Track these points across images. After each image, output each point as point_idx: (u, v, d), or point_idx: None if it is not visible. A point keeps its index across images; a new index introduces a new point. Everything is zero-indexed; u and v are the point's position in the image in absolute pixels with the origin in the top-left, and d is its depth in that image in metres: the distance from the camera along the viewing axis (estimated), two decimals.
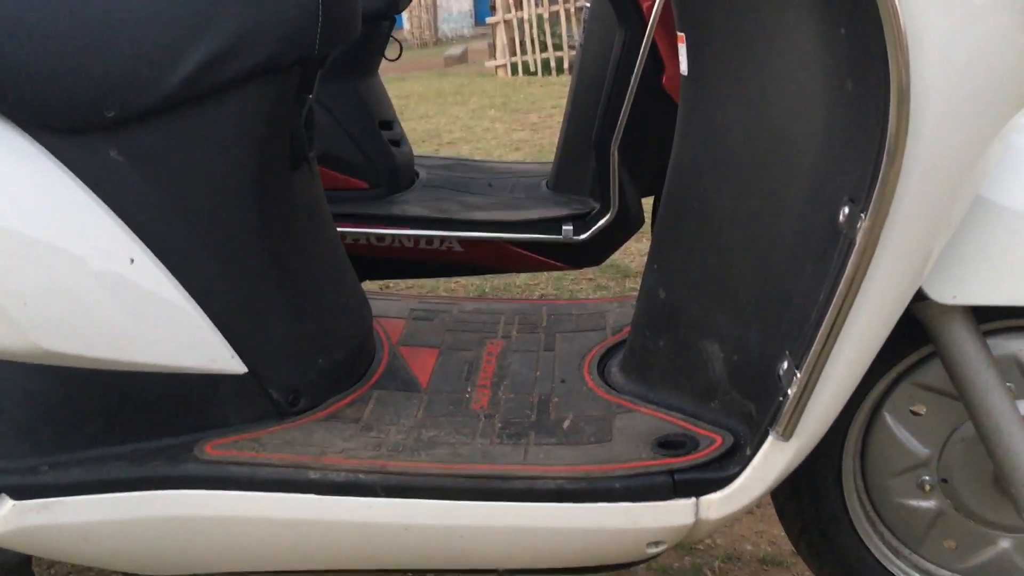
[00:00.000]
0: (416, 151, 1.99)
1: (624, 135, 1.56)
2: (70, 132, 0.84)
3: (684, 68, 0.94)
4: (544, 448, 0.90)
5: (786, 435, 0.79)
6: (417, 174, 1.91)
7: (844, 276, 0.75)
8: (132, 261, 0.85)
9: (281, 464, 0.87)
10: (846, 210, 0.76)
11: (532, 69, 7.04)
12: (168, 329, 0.87)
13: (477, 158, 2.43)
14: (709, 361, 0.92)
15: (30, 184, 0.83)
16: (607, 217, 1.64)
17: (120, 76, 0.83)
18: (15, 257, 0.82)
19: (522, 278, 2.12)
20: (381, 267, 1.74)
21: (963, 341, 0.89)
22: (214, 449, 0.88)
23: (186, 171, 0.88)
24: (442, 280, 2.11)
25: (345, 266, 1.09)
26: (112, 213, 0.85)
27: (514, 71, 7.07)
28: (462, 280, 2.12)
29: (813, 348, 0.76)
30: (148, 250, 0.86)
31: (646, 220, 1.74)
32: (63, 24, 0.81)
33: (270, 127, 0.92)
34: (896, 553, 1.07)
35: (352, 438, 0.91)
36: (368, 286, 2.02)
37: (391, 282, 2.08)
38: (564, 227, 1.66)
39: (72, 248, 0.84)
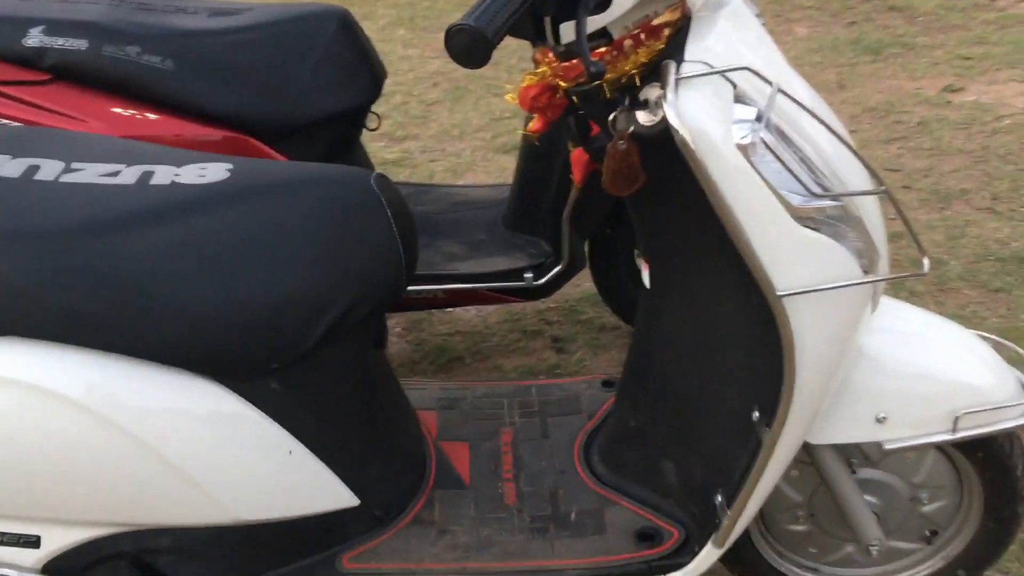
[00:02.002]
0: None
1: (574, 206, 1.97)
2: (246, 376, 1.22)
3: (647, 283, 1.37)
4: (563, 541, 1.38)
5: (719, 545, 1.30)
6: None
7: (758, 457, 1.23)
8: (291, 452, 1.27)
9: (398, 571, 1.33)
10: (756, 415, 1.24)
11: None
12: (316, 490, 1.30)
13: (437, 183, 2.78)
14: (666, 474, 1.41)
15: (219, 411, 1.22)
16: (559, 267, 2.08)
17: (279, 341, 1.21)
18: (223, 456, 1.22)
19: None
20: None
21: (822, 451, 1.40)
22: (349, 562, 1.34)
23: (320, 384, 1.28)
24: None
25: (403, 398, 1.51)
26: (273, 422, 1.25)
27: None
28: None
29: (738, 500, 1.25)
30: (298, 442, 1.27)
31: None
32: (245, 307, 1.18)
33: (369, 336, 1.33)
34: (780, 555, 1.62)
35: (435, 543, 1.38)
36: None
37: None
38: (525, 275, 2.08)
39: (251, 447, 1.24)
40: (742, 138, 1.09)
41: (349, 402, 1.33)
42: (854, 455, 1.48)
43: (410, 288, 2.05)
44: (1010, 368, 1.40)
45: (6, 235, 1.12)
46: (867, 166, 1.17)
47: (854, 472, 1.49)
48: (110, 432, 1.16)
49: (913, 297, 2.59)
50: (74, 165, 1.25)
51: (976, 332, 1.44)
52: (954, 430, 1.33)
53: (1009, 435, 1.43)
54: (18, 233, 1.12)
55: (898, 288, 2.63)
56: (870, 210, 1.22)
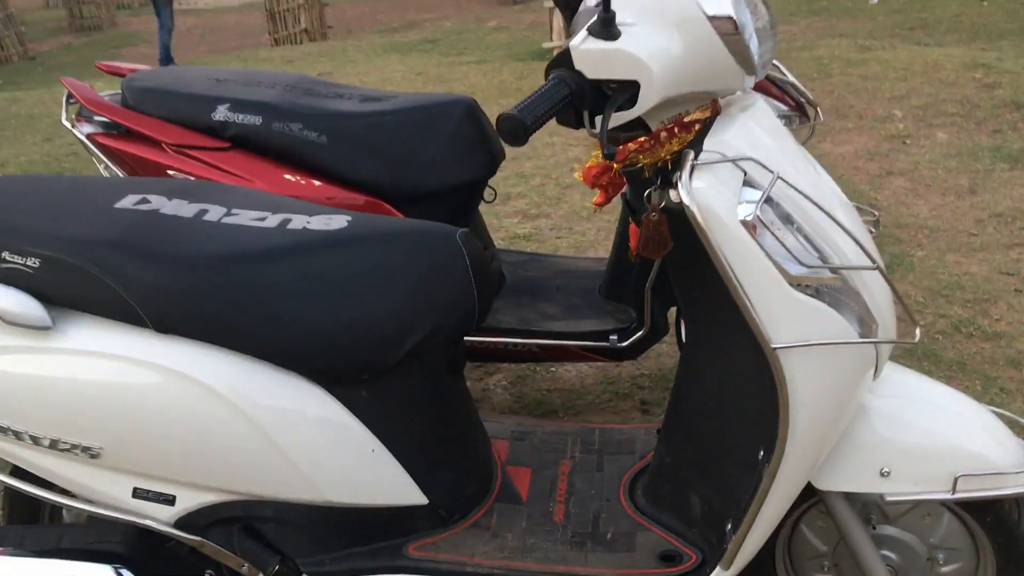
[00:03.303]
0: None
1: (656, 278, 2.21)
2: (343, 383, 1.53)
3: (683, 338, 1.60)
4: (597, 554, 1.60)
5: (725, 567, 1.49)
6: (503, 276, 2.57)
7: (759, 490, 1.43)
8: (373, 451, 1.56)
9: (453, 562, 1.58)
10: (761, 454, 1.44)
11: None
12: (392, 486, 1.58)
13: (546, 253, 3.09)
14: (692, 506, 1.62)
15: (320, 409, 1.53)
16: (641, 332, 2.32)
17: (371, 355, 1.51)
18: (320, 447, 1.52)
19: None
20: (476, 356, 2.44)
21: (834, 499, 1.57)
22: (415, 551, 1.61)
23: (402, 396, 1.57)
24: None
25: (478, 421, 1.79)
26: (361, 423, 1.55)
27: None
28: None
29: (741, 528, 1.45)
30: (380, 443, 1.56)
31: (670, 327, 2.41)
32: (348, 327, 1.49)
33: (447, 361, 1.62)
34: None
35: (487, 543, 1.63)
36: (474, 370, 2.74)
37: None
38: (611, 337, 2.33)
39: (342, 442, 1.54)
40: (746, 215, 1.32)
41: (425, 415, 1.62)
42: (873, 511, 1.63)
43: (509, 340, 2.34)
44: (1016, 439, 1.54)
45: (178, 259, 1.48)
46: (860, 246, 1.37)
47: (874, 528, 1.64)
48: (238, 418, 1.48)
49: (1003, 394, 2.65)
50: (233, 211, 1.62)
51: (986, 406, 1.58)
52: (953, 490, 1.47)
53: (1017, 501, 1.56)
54: (186, 258, 1.48)
55: (989, 382, 2.70)
56: (871, 285, 1.42)
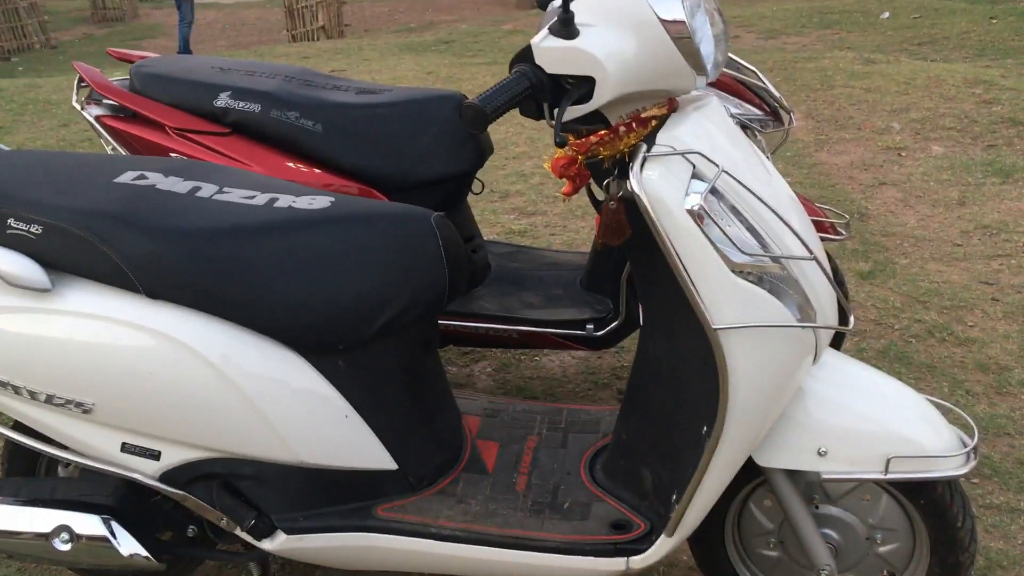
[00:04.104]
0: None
1: (630, 270, 2.32)
2: (320, 352, 1.64)
3: (642, 321, 1.71)
4: (553, 522, 1.71)
5: (668, 534, 1.60)
6: (489, 265, 2.68)
7: (700, 463, 1.53)
8: (347, 417, 1.67)
9: (418, 523, 1.69)
10: (704, 429, 1.54)
11: None
12: (363, 451, 1.69)
13: (533, 246, 3.20)
14: (644, 479, 1.72)
15: (298, 375, 1.64)
16: (617, 322, 2.42)
17: (347, 327, 1.63)
18: (297, 411, 1.63)
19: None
20: (460, 341, 2.55)
21: (776, 477, 1.67)
22: (383, 512, 1.72)
23: (376, 367, 1.68)
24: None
25: (449, 397, 1.90)
26: (337, 391, 1.66)
27: None
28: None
29: (683, 497, 1.55)
30: (354, 409, 1.67)
31: None
32: (326, 300, 1.60)
33: (420, 337, 1.73)
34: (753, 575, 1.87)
35: (452, 508, 1.74)
36: (452, 351, 2.84)
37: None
38: (588, 326, 2.44)
39: (317, 407, 1.65)
40: (691, 205, 1.43)
41: (397, 386, 1.73)
42: (816, 491, 1.73)
43: (490, 326, 2.45)
44: (950, 427, 1.63)
45: (169, 231, 1.59)
46: (799, 238, 1.48)
47: (816, 507, 1.74)
48: (221, 381, 1.60)
49: (969, 396, 2.74)
50: (225, 189, 1.73)
51: (924, 396, 1.68)
52: (886, 471, 1.57)
53: (949, 485, 1.65)
54: (178, 230, 1.59)
55: (956, 385, 2.79)
56: (810, 276, 1.52)
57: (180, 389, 1.59)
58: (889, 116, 5.65)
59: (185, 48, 12.55)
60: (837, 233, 2.46)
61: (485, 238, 2.85)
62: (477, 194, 2.61)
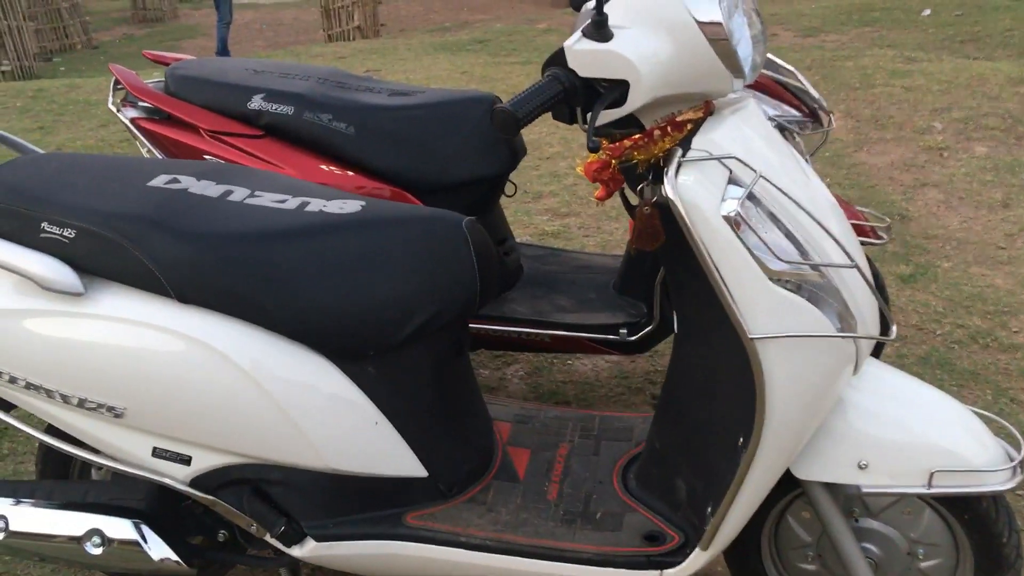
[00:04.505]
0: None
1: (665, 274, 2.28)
2: (350, 358, 1.63)
3: (676, 328, 1.68)
4: (585, 532, 1.68)
5: (703, 548, 1.56)
6: (522, 268, 2.66)
7: (737, 475, 1.50)
8: (376, 423, 1.65)
9: (448, 532, 1.68)
10: (741, 440, 1.50)
11: None
12: (393, 457, 1.68)
13: (566, 248, 3.17)
14: (678, 490, 1.69)
15: (328, 381, 1.63)
16: (651, 327, 2.39)
17: (377, 333, 1.61)
18: (326, 417, 1.62)
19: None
20: (493, 344, 2.53)
21: (814, 489, 1.63)
22: (413, 519, 1.70)
23: (406, 373, 1.67)
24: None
25: (480, 403, 1.87)
26: (367, 397, 1.64)
27: None
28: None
29: (719, 510, 1.52)
30: (384, 416, 1.66)
31: None
32: (356, 305, 1.59)
33: (451, 343, 1.71)
34: None
35: (482, 516, 1.72)
36: (484, 354, 2.83)
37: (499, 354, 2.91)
38: (620, 330, 2.40)
39: (347, 414, 1.64)
40: (728, 211, 1.39)
41: (428, 392, 1.71)
42: (855, 504, 1.69)
43: (522, 330, 2.43)
44: (996, 439, 1.58)
45: (202, 235, 1.58)
46: (840, 245, 1.44)
47: (856, 521, 1.70)
48: (252, 386, 1.59)
49: (1014, 404, 2.67)
50: (256, 193, 1.72)
51: (969, 407, 1.63)
52: (929, 485, 1.53)
53: (995, 500, 1.60)
54: (210, 234, 1.59)
55: (1000, 392, 2.72)
56: (850, 283, 1.48)
57: (211, 394, 1.59)
58: (931, 116, 5.54)
59: (223, 48, 12.66)
60: (878, 237, 2.40)
61: (517, 240, 2.83)
62: (510, 196, 2.58)
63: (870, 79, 6.33)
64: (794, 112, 2.37)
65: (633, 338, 2.40)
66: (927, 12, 9.86)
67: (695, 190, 1.39)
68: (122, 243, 1.56)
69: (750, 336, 1.41)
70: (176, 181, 1.71)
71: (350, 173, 2.35)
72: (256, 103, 2.36)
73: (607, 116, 1.39)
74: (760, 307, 1.41)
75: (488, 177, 2.42)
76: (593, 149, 1.33)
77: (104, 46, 15.38)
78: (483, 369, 2.98)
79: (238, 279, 1.57)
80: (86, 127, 6.32)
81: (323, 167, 2.36)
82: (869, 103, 5.84)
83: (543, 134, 5.46)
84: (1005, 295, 3.35)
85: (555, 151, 5.05)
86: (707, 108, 1.51)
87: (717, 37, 1.38)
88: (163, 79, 2.53)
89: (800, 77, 2.41)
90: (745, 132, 1.49)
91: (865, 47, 8.06)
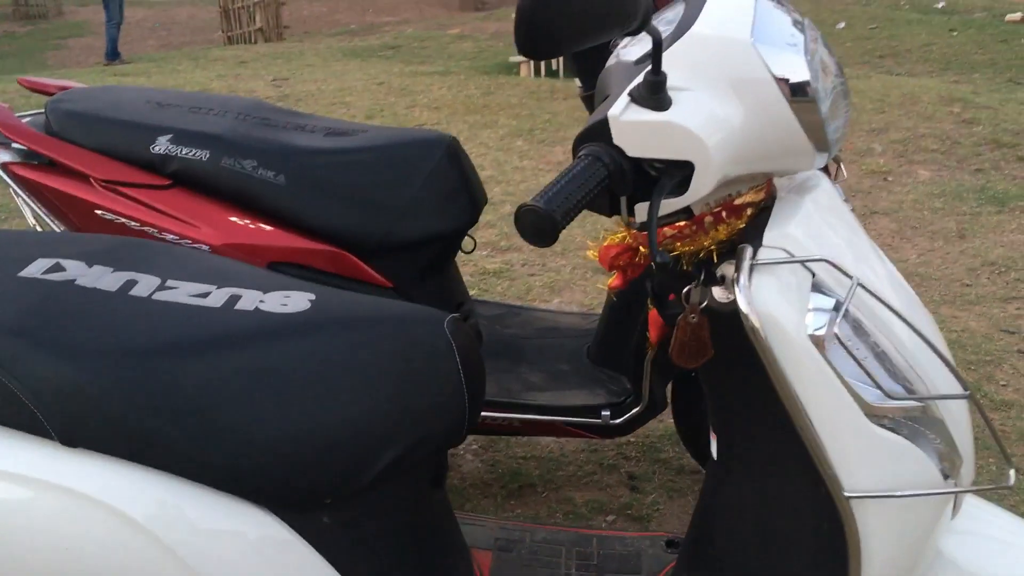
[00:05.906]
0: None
1: (658, 350, 1.94)
2: (299, 509, 1.23)
3: (713, 453, 1.34)
4: None
5: None
6: (480, 335, 2.29)
7: None
8: None
9: None
10: None
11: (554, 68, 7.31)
12: None
13: (525, 305, 2.82)
14: None
15: (266, 543, 1.23)
16: (638, 408, 2.04)
17: (334, 476, 1.22)
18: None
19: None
20: None
21: None
22: None
23: (372, 525, 1.28)
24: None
25: (456, 532, 1.50)
26: (321, 557, 1.25)
27: (536, 73, 7.33)
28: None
29: None
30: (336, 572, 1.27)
31: (668, 404, 2.14)
32: (305, 440, 1.20)
33: (427, 476, 1.32)
34: None
35: None
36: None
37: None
38: (603, 412, 2.05)
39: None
40: (817, 329, 1.06)
41: (399, 543, 1.32)
42: None
43: (486, 414, 2.05)
44: None
45: (93, 351, 1.17)
46: (951, 368, 1.12)
47: None
48: (161, 554, 1.18)
49: (1020, 475, 2.43)
50: (169, 283, 1.31)
51: None
52: None
53: None
54: (104, 350, 1.17)
55: (983, 447, 2.48)
56: (954, 412, 1.17)
57: (106, 567, 1.17)
58: (868, 136, 5.39)
59: (113, 49, 11.85)
60: None
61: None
62: (468, 253, 2.21)
63: None
64: None
65: (617, 421, 2.05)
66: (841, 25, 9.87)
67: (774, 300, 1.05)
68: None
69: (845, 493, 1.07)
70: (59, 268, 1.29)
71: (280, 231, 1.94)
72: (162, 146, 1.92)
73: (664, 207, 1.04)
74: (856, 455, 1.08)
75: (445, 234, 2.04)
76: (663, 265, 0.98)
77: None
78: None
79: (143, 412, 1.16)
80: None
81: (246, 224, 1.94)
82: None
83: (472, 155, 5.08)
84: (983, 341, 3.13)
85: (488, 175, 4.67)
86: (768, 188, 1.18)
87: (801, 99, 1.04)
88: (43, 111, 2.06)
89: None
90: (822, 221, 1.16)
91: None
